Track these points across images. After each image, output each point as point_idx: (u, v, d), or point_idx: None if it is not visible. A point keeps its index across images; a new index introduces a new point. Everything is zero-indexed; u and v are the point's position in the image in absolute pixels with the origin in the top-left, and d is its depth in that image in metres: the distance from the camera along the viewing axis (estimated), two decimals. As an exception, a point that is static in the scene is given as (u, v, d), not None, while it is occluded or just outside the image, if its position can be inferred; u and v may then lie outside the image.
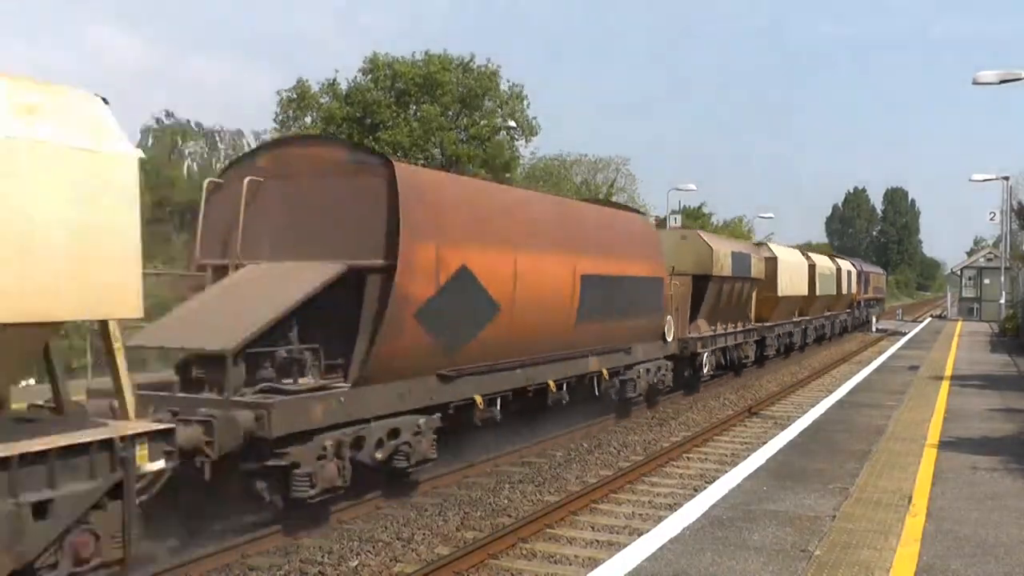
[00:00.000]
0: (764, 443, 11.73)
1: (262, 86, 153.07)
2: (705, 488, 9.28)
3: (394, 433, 9.83)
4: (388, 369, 9.65)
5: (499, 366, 11.72)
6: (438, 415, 10.56)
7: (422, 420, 10.23)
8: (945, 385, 17.61)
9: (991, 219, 47.44)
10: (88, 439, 6.31)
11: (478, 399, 11.32)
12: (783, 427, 13.30)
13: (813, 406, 15.16)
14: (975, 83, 23.28)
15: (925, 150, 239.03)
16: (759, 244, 28.10)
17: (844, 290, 37.17)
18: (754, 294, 24.20)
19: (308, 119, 39.38)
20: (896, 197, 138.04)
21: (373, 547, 8.99)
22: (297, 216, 10.11)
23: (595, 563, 7.24)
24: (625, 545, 7.29)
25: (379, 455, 9.62)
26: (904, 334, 38.42)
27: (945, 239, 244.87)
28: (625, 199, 50.80)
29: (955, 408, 14.32)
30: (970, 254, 67.56)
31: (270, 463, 8.48)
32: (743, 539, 7.01)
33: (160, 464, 6.80)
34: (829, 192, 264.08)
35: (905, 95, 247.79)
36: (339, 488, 9.14)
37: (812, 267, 30.72)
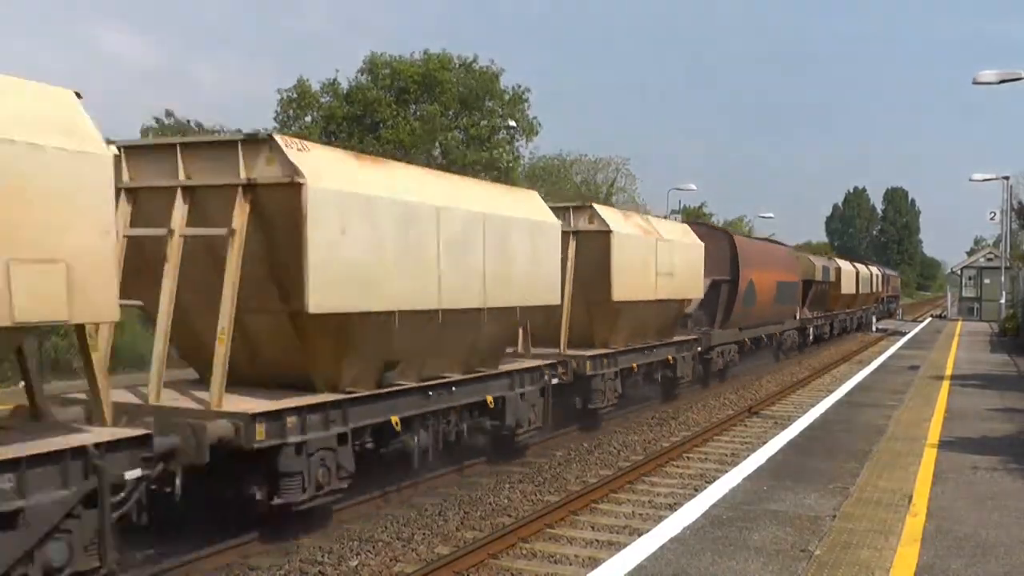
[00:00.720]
0: (764, 443, 11.73)
1: (263, 86, 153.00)
2: (705, 488, 9.28)
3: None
4: (730, 323, 21.57)
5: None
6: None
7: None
8: (945, 385, 17.61)
9: (991, 219, 47.47)
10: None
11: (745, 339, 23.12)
12: (783, 427, 13.30)
13: (813, 406, 15.16)
14: (975, 83, 23.28)
15: (925, 150, 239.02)
16: (830, 258, 39.66)
17: (874, 289, 48.63)
18: (830, 292, 35.90)
19: (308, 118, 39.38)
20: (896, 197, 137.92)
21: (373, 547, 8.99)
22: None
23: (595, 563, 7.24)
24: (625, 545, 7.29)
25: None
26: (904, 334, 38.44)
27: (945, 239, 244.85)
28: (625, 199, 50.85)
29: (955, 408, 14.32)
30: (970, 254, 67.60)
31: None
32: (743, 539, 7.01)
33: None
34: (829, 192, 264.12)
35: (905, 95, 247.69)
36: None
37: (858, 272, 42.21)
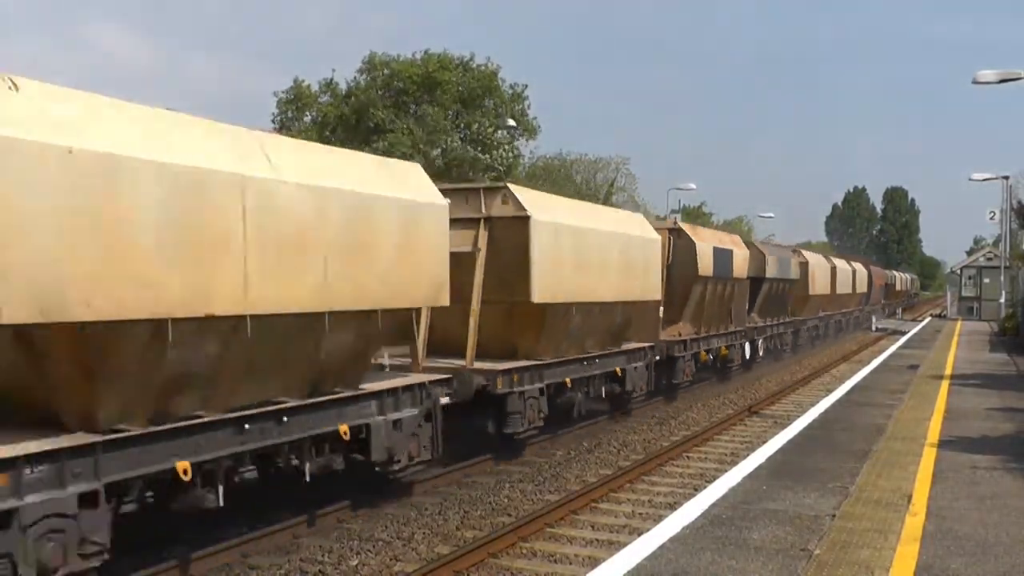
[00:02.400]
0: (764, 442, 11.72)
1: (262, 85, 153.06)
2: (705, 487, 9.28)
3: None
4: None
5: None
6: None
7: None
8: (945, 384, 17.60)
9: (991, 218, 47.37)
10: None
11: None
12: (783, 426, 13.30)
13: (813, 405, 15.16)
14: (975, 82, 23.26)
15: (925, 150, 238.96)
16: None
17: (900, 287, 73.05)
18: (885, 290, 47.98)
19: (307, 118, 39.35)
20: (896, 197, 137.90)
21: (373, 546, 9.00)
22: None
23: (595, 562, 7.24)
24: (625, 544, 7.29)
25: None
26: (904, 333, 38.45)
27: (945, 239, 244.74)
28: (625, 199, 50.84)
29: (955, 407, 14.32)
30: (970, 253, 67.58)
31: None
32: (743, 538, 7.02)
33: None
34: (829, 192, 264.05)
35: (906, 94, 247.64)
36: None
37: (895, 275, 68.22)
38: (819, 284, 33.05)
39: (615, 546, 8.43)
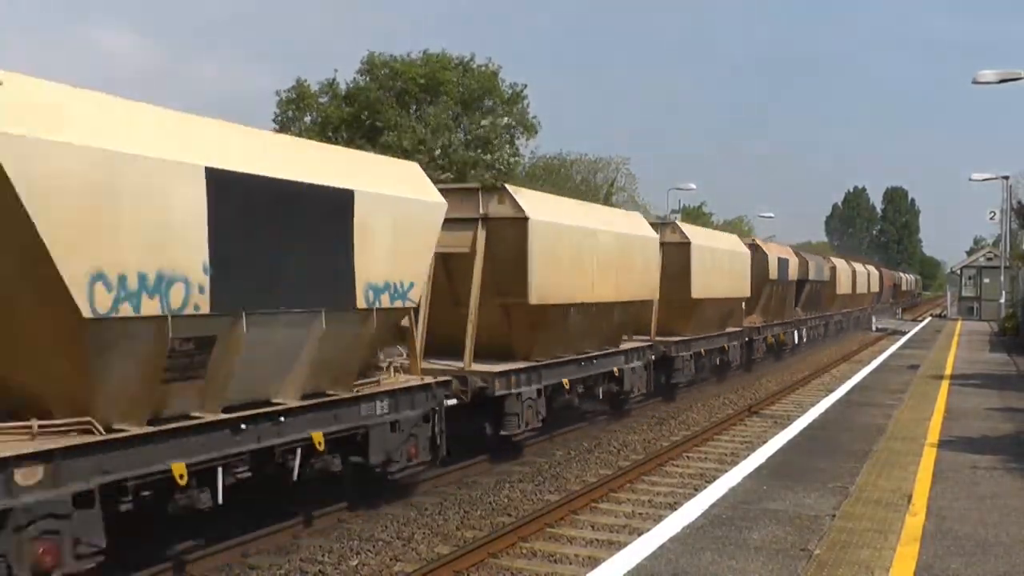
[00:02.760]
0: (764, 442, 11.73)
1: (263, 85, 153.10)
2: (705, 487, 9.28)
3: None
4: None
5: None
6: None
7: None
8: (945, 384, 17.60)
9: (991, 218, 47.37)
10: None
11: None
12: (783, 426, 13.30)
13: (813, 405, 15.16)
14: (975, 82, 23.25)
15: (925, 150, 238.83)
16: (898, 273, 53.79)
17: (904, 287, 79.86)
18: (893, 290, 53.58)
19: (308, 119, 39.33)
20: (896, 197, 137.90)
21: (373, 546, 9.00)
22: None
23: (595, 562, 7.24)
24: (625, 544, 7.30)
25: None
26: (904, 333, 38.45)
27: (945, 239, 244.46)
28: (625, 199, 50.83)
29: (955, 407, 14.32)
30: (970, 253, 67.57)
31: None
32: (743, 538, 7.02)
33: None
34: (829, 192, 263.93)
35: (905, 95, 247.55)
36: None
37: (901, 277, 74.63)
38: (844, 285, 39.12)
39: (615, 546, 8.43)
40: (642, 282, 15.73)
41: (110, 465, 6.67)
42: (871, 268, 51.39)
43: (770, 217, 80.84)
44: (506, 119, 38.34)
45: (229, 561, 8.43)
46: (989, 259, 51.80)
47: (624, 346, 15.80)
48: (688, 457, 13.83)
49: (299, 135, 34.58)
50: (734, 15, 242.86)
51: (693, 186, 49.38)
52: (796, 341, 29.84)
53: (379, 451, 9.53)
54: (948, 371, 20.31)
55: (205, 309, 7.03)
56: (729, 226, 62.02)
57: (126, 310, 6.44)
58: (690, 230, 19.45)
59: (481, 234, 11.94)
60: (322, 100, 39.32)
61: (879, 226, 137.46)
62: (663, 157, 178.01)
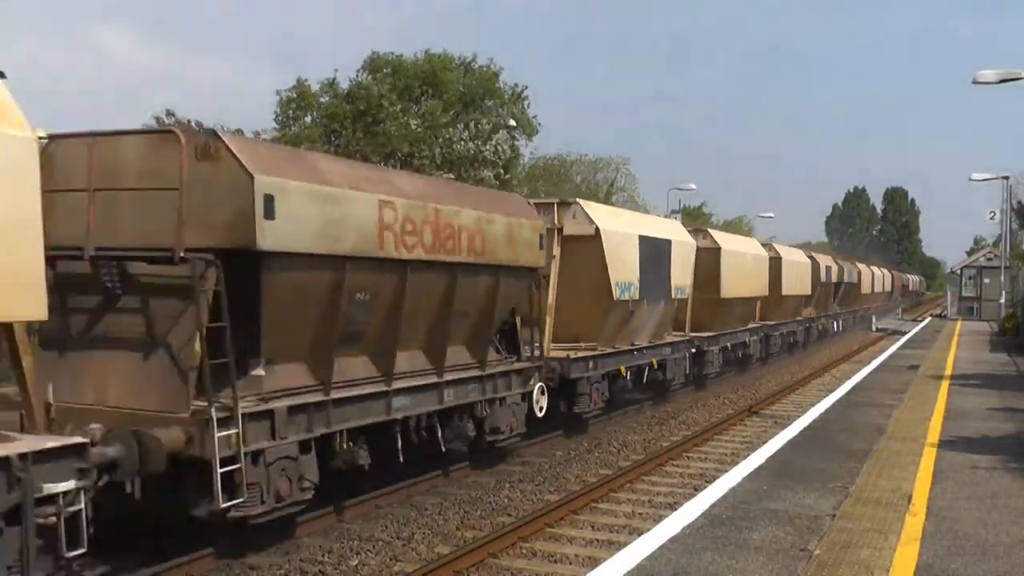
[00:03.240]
0: (764, 442, 11.73)
1: (263, 85, 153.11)
2: (705, 487, 9.29)
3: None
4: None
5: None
6: None
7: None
8: (945, 384, 17.60)
9: (991, 218, 47.36)
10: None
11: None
12: (783, 426, 13.30)
13: (813, 405, 15.17)
14: (975, 82, 23.23)
15: (925, 150, 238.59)
16: (906, 275, 58.39)
17: (910, 287, 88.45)
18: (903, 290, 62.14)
19: (308, 119, 39.29)
20: (896, 197, 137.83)
21: (373, 546, 9.00)
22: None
23: (595, 562, 7.25)
24: (625, 544, 7.30)
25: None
26: (904, 333, 38.44)
27: (945, 239, 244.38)
28: (625, 199, 50.83)
29: (955, 407, 14.32)
30: (970, 254, 67.56)
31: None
32: (743, 538, 7.02)
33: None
34: (829, 192, 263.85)
35: (905, 94, 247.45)
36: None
37: (909, 278, 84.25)
38: (866, 285, 47.41)
39: (615, 546, 8.43)
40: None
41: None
42: (885, 271, 61.12)
43: (770, 217, 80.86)
44: (511, 121, 38.31)
45: (229, 561, 8.43)
46: (989, 259, 51.80)
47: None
48: (688, 457, 13.83)
49: (299, 135, 34.59)
50: (734, 14, 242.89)
51: (693, 186, 49.36)
52: (834, 329, 38.41)
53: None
54: (948, 371, 20.31)
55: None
56: (729, 226, 62.02)
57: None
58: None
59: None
60: (323, 100, 39.29)
61: (879, 226, 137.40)
62: (663, 157, 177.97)
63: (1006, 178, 41.23)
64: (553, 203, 14.37)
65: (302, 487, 8.44)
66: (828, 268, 35.35)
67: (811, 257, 32.73)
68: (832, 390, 17.74)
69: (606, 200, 44.05)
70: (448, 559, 8.36)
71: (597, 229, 14.22)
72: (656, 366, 17.21)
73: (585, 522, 10.10)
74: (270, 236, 7.71)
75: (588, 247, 14.12)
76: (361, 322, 9.14)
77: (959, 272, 56.08)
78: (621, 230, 15.25)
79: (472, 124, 38.59)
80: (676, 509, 8.35)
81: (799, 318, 30.68)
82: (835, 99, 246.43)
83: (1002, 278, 43.58)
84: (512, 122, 38.65)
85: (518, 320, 12.43)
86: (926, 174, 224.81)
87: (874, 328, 48.80)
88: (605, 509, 10.70)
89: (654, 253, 16.28)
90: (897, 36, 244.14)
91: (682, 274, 17.93)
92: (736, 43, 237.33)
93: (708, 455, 14.04)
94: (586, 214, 14.34)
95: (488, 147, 37.98)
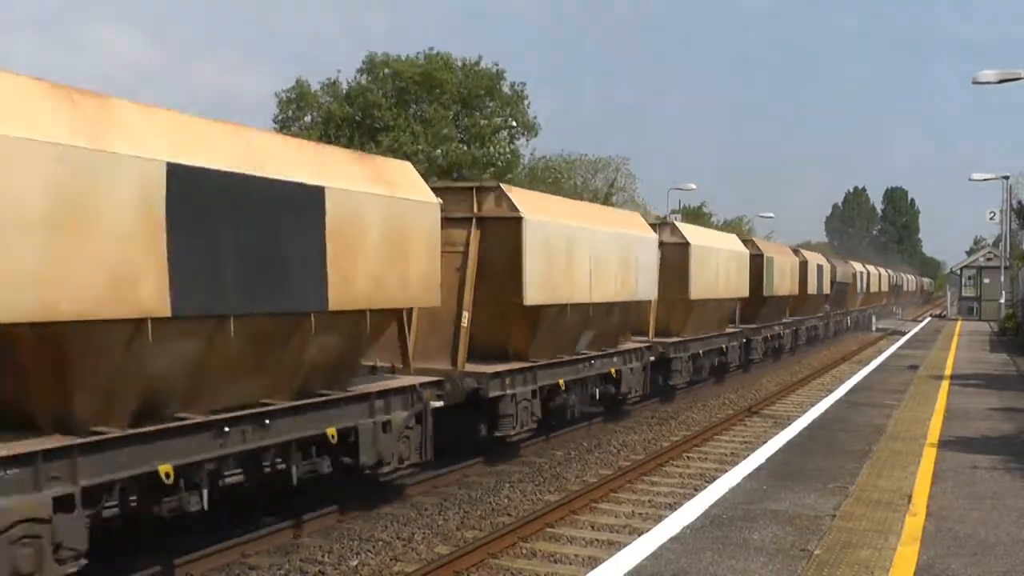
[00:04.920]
0: (764, 442, 11.72)
1: (264, 85, 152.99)
2: (705, 487, 9.28)
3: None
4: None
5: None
6: None
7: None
8: (945, 384, 17.60)
9: (991, 218, 47.33)
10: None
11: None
12: (783, 426, 13.30)
13: (813, 405, 15.16)
14: (975, 82, 23.26)
15: (925, 150, 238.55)
16: (909, 276, 59.51)
17: (915, 287, 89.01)
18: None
19: (308, 119, 39.32)
20: (896, 197, 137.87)
21: (373, 546, 9.00)
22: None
23: (595, 562, 7.24)
24: (625, 544, 7.29)
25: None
26: (904, 333, 38.45)
27: (945, 239, 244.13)
28: (625, 199, 50.81)
29: (955, 407, 14.32)
30: (970, 254, 67.59)
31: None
32: (743, 538, 7.02)
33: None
34: (829, 192, 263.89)
35: (906, 94, 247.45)
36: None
37: (912, 279, 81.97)
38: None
39: (615, 546, 8.43)
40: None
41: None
42: (886, 271, 60.72)
43: (770, 217, 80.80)
44: (512, 122, 38.36)
45: (229, 561, 8.43)
46: (989, 259, 51.79)
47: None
48: (688, 457, 13.83)
49: (299, 135, 34.61)
50: (733, 13, 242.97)
51: (693, 186, 49.28)
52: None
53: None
54: (948, 371, 20.31)
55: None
56: (729, 226, 62.01)
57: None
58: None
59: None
60: (323, 100, 39.31)
61: (879, 226, 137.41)
62: (663, 157, 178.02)
63: (1006, 178, 41.28)
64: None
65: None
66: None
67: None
68: (832, 390, 17.74)
69: (605, 200, 44.05)
70: (448, 559, 8.36)
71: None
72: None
73: (585, 522, 10.10)
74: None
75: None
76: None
77: (959, 272, 56.08)
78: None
79: (472, 125, 38.60)
80: (676, 509, 8.34)
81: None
82: (835, 99, 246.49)
83: (1002, 278, 43.56)
84: (512, 123, 38.67)
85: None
86: (926, 174, 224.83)
87: (874, 328, 48.82)
88: (605, 509, 10.70)
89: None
90: (897, 36, 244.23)
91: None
92: (736, 43, 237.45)
93: (708, 455, 14.04)
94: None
95: (491, 148, 37.98)
